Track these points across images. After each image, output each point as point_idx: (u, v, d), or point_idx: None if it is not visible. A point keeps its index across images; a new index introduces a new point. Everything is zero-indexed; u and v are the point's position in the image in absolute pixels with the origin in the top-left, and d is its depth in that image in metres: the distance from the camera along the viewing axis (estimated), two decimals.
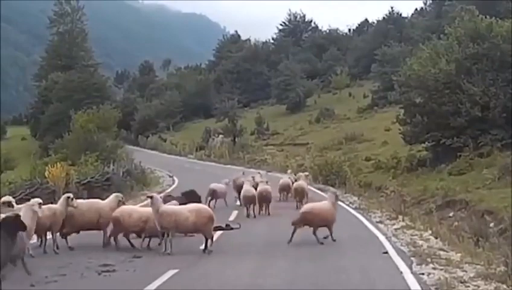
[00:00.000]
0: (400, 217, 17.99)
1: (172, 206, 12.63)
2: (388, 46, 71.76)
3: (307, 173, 23.32)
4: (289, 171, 26.64)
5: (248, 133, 64.09)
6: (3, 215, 9.99)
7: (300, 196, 21.03)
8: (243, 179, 21.91)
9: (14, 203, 12.31)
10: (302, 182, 21.92)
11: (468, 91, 28.35)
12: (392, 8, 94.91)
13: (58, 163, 24.82)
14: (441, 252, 11.91)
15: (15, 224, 9.03)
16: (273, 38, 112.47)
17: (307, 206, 14.34)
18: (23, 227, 9.13)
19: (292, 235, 13.35)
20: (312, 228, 13.56)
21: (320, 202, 14.63)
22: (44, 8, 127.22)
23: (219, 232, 14.40)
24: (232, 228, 15.40)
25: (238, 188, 21.48)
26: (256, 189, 19.48)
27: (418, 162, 30.58)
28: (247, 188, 19.40)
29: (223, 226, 15.14)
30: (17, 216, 9.44)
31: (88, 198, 22.41)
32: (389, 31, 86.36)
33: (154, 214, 12.11)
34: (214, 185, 21.81)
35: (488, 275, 9.79)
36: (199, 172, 43.91)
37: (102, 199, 14.54)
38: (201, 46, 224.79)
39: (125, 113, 75.46)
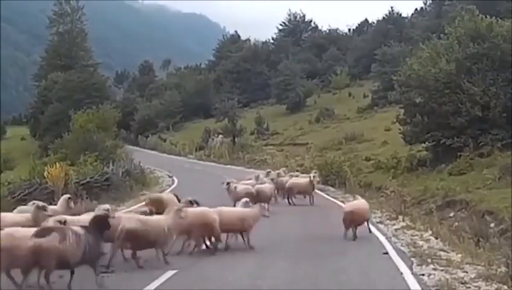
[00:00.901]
0: (400, 217, 17.94)
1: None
2: (388, 46, 71.73)
3: (314, 174, 23.86)
4: (313, 171, 26.87)
5: (248, 133, 64.06)
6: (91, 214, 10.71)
7: (290, 193, 23.20)
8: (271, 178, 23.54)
9: (47, 207, 12.28)
10: (293, 180, 23.94)
11: (469, 91, 28.29)
12: (392, 8, 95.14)
13: (57, 163, 24.72)
14: (442, 253, 11.85)
15: (103, 223, 9.64)
16: (273, 38, 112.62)
17: (349, 205, 14.97)
18: (109, 226, 9.73)
19: (345, 233, 14.15)
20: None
21: (358, 200, 15.06)
22: (44, 8, 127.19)
23: None
24: None
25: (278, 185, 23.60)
26: None
27: (418, 162, 30.51)
28: (245, 187, 20.25)
29: None
30: (106, 216, 10.06)
31: (87, 198, 22.56)
32: (389, 31, 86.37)
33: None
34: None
35: (489, 275, 9.74)
36: (199, 172, 43.91)
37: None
38: (201, 46, 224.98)
39: (125, 113, 75.57)
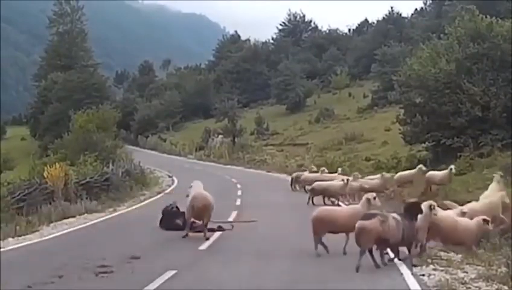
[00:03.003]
0: None
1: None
2: (388, 46, 71.78)
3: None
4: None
5: (248, 133, 64.08)
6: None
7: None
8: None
9: None
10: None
11: (469, 91, 28.30)
12: (392, 8, 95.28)
13: (57, 163, 24.64)
14: (442, 253, 11.80)
15: (416, 208, 10.81)
16: (273, 38, 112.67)
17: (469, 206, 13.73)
18: (421, 211, 10.84)
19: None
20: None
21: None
22: (44, 8, 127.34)
23: (217, 233, 14.31)
24: (224, 229, 15.23)
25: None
26: None
27: (418, 163, 30.40)
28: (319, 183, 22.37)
29: (215, 227, 14.96)
30: (418, 202, 11.22)
31: (87, 198, 22.48)
32: (389, 31, 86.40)
33: None
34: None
35: (489, 276, 9.70)
36: (199, 172, 43.84)
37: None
38: (201, 46, 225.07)
39: (125, 113, 75.63)
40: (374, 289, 9.37)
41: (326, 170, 28.00)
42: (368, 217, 10.46)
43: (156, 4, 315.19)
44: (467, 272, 10.17)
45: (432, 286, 9.33)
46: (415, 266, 10.47)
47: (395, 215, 10.53)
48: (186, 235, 13.94)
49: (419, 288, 9.19)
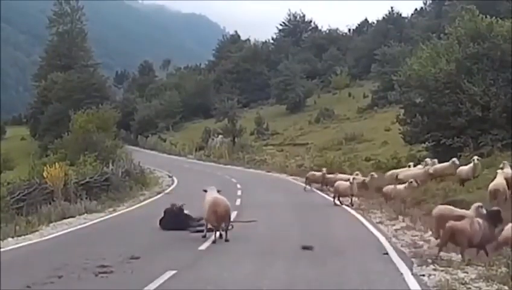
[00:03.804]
0: (400, 217, 17.87)
1: None
2: (388, 46, 71.78)
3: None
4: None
5: (248, 133, 64.10)
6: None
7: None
8: None
9: None
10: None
11: (469, 91, 28.29)
12: (392, 8, 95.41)
13: (56, 163, 24.62)
14: (442, 253, 11.80)
15: (497, 216, 11.40)
16: (273, 38, 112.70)
17: None
18: (501, 220, 11.41)
19: None
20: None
21: None
22: (44, 8, 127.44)
23: (217, 233, 14.29)
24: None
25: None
26: None
27: (418, 162, 30.44)
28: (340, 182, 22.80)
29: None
30: (499, 210, 11.72)
31: (87, 198, 22.47)
32: (389, 31, 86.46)
33: None
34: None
35: (489, 276, 9.69)
36: (198, 172, 43.88)
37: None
38: (201, 46, 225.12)
39: (125, 113, 75.76)
40: (374, 289, 9.36)
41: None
42: (458, 218, 11.50)
43: (155, 4, 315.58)
44: (467, 272, 10.16)
45: (432, 286, 9.31)
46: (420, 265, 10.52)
47: (479, 219, 11.37)
48: (205, 236, 13.92)
49: (419, 288, 9.17)
